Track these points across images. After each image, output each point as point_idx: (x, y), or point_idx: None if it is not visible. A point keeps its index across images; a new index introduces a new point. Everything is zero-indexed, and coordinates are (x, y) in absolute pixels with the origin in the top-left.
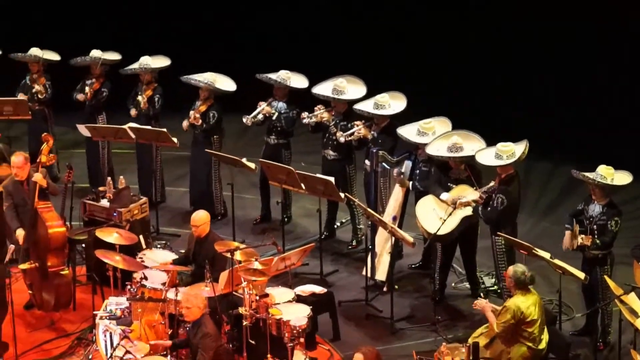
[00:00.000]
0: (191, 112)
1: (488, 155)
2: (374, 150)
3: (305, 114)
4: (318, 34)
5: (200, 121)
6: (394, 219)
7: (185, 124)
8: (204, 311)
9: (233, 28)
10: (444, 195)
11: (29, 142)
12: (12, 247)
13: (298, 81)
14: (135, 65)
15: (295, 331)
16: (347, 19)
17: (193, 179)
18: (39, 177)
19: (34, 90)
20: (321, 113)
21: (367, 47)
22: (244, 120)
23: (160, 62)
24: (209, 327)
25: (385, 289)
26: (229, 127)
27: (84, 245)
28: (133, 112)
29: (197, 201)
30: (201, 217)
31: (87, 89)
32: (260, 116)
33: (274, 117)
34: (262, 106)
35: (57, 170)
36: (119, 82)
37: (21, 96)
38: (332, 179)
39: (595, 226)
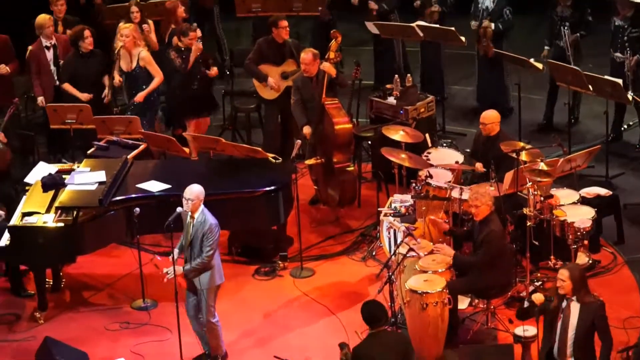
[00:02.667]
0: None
1: None
2: None
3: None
4: None
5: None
6: None
7: (473, 23)
8: (492, 209)
9: None
10: None
11: (316, 38)
12: (298, 142)
13: None
14: None
15: (579, 233)
16: None
17: (481, 77)
18: (327, 66)
19: None
20: None
21: None
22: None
23: None
24: (496, 224)
25: None
26: (517, 26)
27: (370, 142)
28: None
29: (485, 100)
30: (491, 115)
31: None
32: None
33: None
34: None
35: (341, 67)
36: None
37: None
38: (620, 80)
39: None
